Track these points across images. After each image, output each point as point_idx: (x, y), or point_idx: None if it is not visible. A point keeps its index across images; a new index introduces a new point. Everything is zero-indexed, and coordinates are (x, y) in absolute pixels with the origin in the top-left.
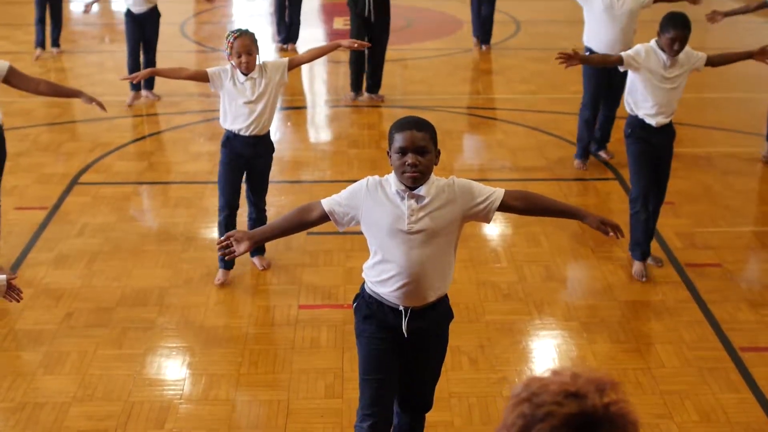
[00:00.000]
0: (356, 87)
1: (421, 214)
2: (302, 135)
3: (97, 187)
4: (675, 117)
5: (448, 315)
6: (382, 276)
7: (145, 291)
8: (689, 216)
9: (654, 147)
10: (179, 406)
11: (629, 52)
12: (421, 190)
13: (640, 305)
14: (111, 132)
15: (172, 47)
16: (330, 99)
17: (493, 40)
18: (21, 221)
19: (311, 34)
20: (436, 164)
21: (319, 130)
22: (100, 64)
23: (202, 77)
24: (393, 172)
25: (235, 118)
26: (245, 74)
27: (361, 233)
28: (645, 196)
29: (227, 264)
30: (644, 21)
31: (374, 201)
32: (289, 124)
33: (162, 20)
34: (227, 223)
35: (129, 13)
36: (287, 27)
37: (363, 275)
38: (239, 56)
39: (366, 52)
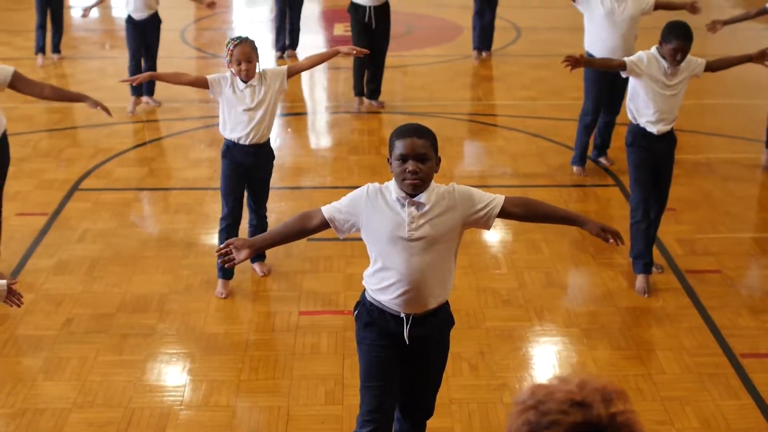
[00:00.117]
0: (359, 92)
1: (422, 221)
2: (303, 141)
3: (98, 193)
4: (675, 123)
5: (449, 322)
6: (383, 283)
7: (146, 297)
8: (690, 222)
9: (655, 155)
10: (179, 412)
11: (632, 57)
12: (422, 197)
13: (641, 312)
14: (112, 138)
15: (173, 53)
16: (330, 105)
17: (493, 47)
18: (22, 227)
19: (312, 40)
20: (436, 171)
21: (320, 136)
22: (101, 70)
23: (201, 84)
24: (393, 179)
25: (234, 126)
26: (245, 82)
27: (361, 239)
28: (646, 206)
29: (226, 274)
30: (645, 27)
31: (374, 208)
32: (289, 130)
33: (162, 26)
34: (229, 232)
35: (130, 20)
36: (287, 34)
37: (363, 283)
38: (239, 64)
39: (366, 58)
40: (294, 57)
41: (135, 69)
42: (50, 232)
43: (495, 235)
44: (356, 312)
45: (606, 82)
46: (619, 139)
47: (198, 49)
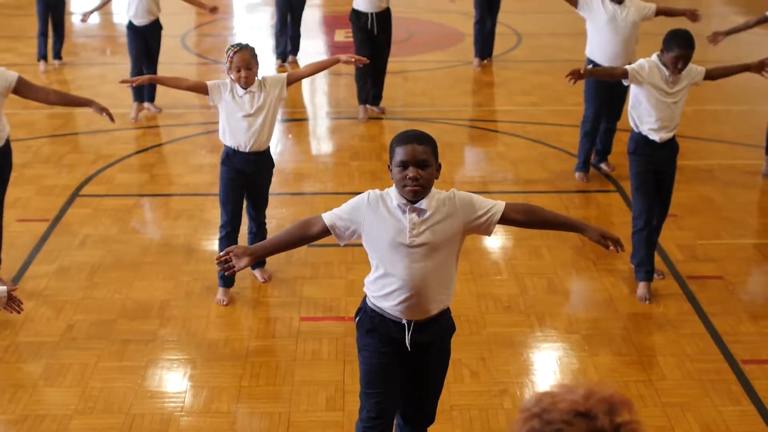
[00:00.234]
0: (364, 100)
1: (423, 227)
2: (303, 147)
3: (99, 199)
4: (676, 130)
5: (450, 328)
6: (385, 290)
7: (147, 303)
8: (691, 228)
9: (657, 163)
10: (180, 418)
11: (634, 65)
12: (423, 204)
13: (642, 318)
14: (112, 144)
15: (174, 59)
16: (331, 111)
17: (494, 53)
18: (23, 233)
19: (313, 46)
20: (436, 178)
21: (320, 142)
22: (102, 76)
23: (201, 89)
24: (394, 185)
25: (234, 132)
26: (244, 88)
27: (361, 245)
28: (648, 214)
29: (226, 281)
30: (645, 33)
31: (375, 215)
32: (290, 136)
33: (163, 32)
34: (229, 240)
35: (131, 26)
36: (288, 40)
37: (364, 289)
38: (238, 71)
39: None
40: (295, 63)
41: (138, 75)
42: (51, 238)
43: (496, 241)
44: (357, 318)
45: (606, 89)
46: (620, 145)
47: (199, 55)
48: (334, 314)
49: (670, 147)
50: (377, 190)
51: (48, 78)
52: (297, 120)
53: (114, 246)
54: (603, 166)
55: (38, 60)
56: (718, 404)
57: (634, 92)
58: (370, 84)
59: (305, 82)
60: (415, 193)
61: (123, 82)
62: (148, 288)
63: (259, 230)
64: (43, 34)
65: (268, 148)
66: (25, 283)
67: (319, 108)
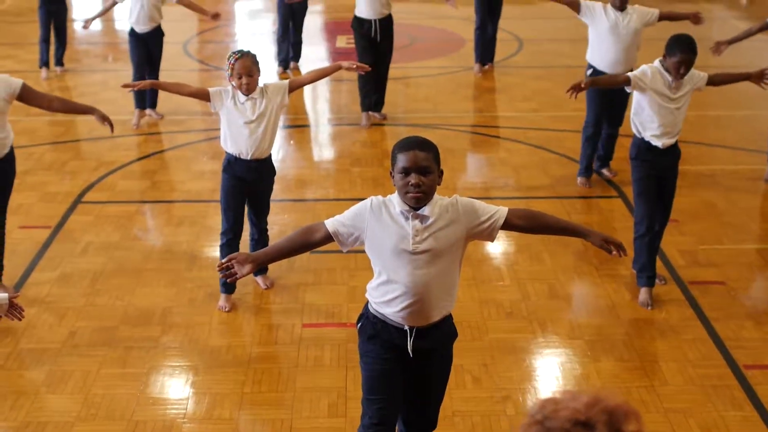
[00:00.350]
0: (367, 107)
1: (426, 234)
2: (305, 153)
3: (101, 206)
4: (679, 135)
5: (453, 334)
6: (387, 296)
7: (149, 310)
8: (693, 234)
9: (660, 169)
10: (183, 425)
11: (636, 72)
12: (425, 210)
13: (644, 323)
14: (114, 151)
15: (175, 66)
16: (332, 117)
17: (495, 59)
18: (25, 240)
19: (314, 52)
20: (439, 184)
21: (322, 148)
22: (104, 83)
23: (203, 95)
24: (396, 192)
25: (235, 139)
26: (246, 95)
27: (363, 251)
28: (650, 220)
29: (228, 288)
30: (647, 39)
31: (378, 221)
32: (291, 142)
33: (165, 39)
34: (230, 247)
35: (133, 33)
36: (290, 47)
37: (367, 295)
38: (240, 77)
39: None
40: (297, 69)
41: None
42: (53, 245)
43: (498, 247)
44: (359, 324)
45: (607, 93)
46: (621, 150)
47: (200, 61)
48: (336, 321)
49: (672, 153)
50: (380, 197)
51: (50, 85)
52: (299, 126)
53: (116, 253)
54: (605, 171)
55: (40, 67)
56: (721, 410)
57: (637, 99)
58: (372, 89)
59: (307, 89)
60: (417, 200)
61: (125, 86)
62: (150, 295)
63: (260, 237)
64: (45, 41)
65: (270, 155)
66: (27, 290)
67: (321, 114)
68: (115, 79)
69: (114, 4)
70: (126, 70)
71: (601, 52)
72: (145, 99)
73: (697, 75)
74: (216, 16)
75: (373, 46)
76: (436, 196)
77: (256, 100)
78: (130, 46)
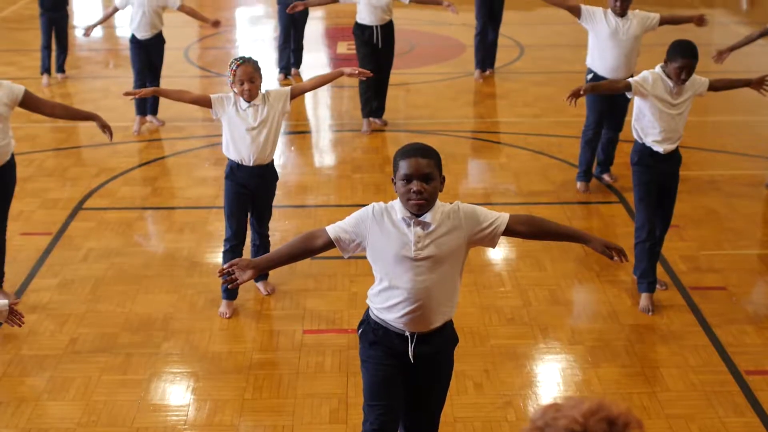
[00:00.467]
0: (368, 113)
1: (428, 240)
2: (306, 159)
3: (102, 213)
4: (680, 141)
5: (453, 340)
6: (389, 302)
7: (150, 316)
8: (694, 239)
9: (661, 174)
10: (183, 431)
11: (637, 78)
12: (427, 217)
13: (645, 329)
14: (116, 157)
15: (177, 73)
16: (334, 123)
17: (496, 64)
18: (26, 246)
19: (315, 59)
20: (440, 191)
21: (323, 154)
22: (105, 90)
23: (204, 102)
24: (398, 198)
25: (237, 146)
26: (248, 102)
27: (365, 258)
28: (651, 225)
29: (230, 294)
30: (648, 44)
31: (380, 228)
32: (292, 148)
33: (166, 46)
34: (233, 253)
35: (134, 39)
36: (291, 53)
37: (368, 301)
38: (242, 84)
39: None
40: (298, 76)
41: (141, 88)
42: (54, 252)
43: (499, 253)
44: (360, 330)
45: (607, 97)
46: (622, 155)
47: (202, 68)
48: (337, 327)
49: (673, 158)
50: (382, 203)
51: (51, 91)
52: (300, 132)
53: (117, 259)
54: (605, 176)
55: (41, 73)
56: (722, 416)
57: (638, 104)
58: (373, 96)
59: (308, 95)
60: (419, 207)
61: (127, 94)
62: (152, 301)
63: (262, 243)
64: (46, 48)
65: (272, 161)
66: (28, 297)
67: (322, 120)
68: (116, 86)
69: (115, 10)
70: (127, 77)
71: (601, 58)
72: (146, 106)
73: (699, 80)
74: (216, 24)
75: (374, 53)
76: (437, 202)
77: (258, 106)
78: (132, 53)
